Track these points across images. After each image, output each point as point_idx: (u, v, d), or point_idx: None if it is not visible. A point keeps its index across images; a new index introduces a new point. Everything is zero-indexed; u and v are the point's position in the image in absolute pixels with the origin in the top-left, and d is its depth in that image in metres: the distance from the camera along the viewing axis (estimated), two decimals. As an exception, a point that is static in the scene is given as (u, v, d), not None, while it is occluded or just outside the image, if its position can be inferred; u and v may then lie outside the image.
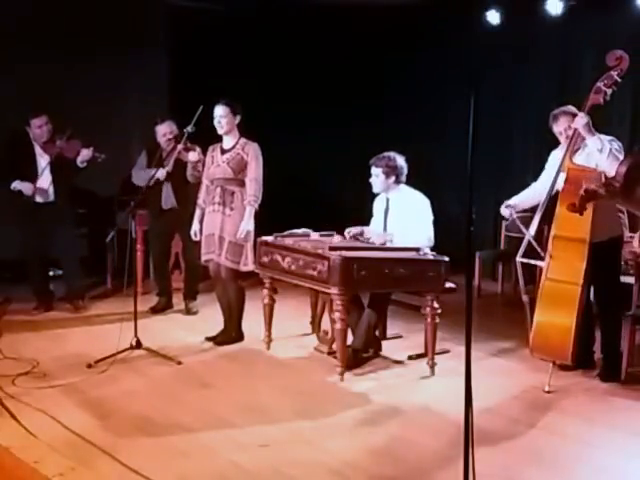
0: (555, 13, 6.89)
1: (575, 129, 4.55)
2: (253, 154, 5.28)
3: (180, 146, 5.75)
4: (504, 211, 4.93)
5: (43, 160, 6.11)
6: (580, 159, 4.61)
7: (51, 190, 6.14)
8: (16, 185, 6.03)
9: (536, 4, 6.92)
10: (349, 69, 8.43)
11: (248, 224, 5.23)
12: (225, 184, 5.30)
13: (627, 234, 5.08)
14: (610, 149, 4.41)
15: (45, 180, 6.11)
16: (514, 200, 4.95)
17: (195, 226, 5.49)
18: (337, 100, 8.40)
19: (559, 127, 4.76)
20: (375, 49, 8.28)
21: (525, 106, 7.56)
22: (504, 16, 7.25)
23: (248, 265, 5.30)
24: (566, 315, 4.39)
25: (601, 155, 4.43)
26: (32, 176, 6.06)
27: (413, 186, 5.19)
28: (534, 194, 4.90)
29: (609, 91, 4.53)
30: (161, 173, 5.93)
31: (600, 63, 4.85)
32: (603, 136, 4.57)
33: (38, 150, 6.13)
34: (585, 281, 4.43)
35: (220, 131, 5.29)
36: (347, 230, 5.22)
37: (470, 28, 7.24)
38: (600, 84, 4.54)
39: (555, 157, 4.85)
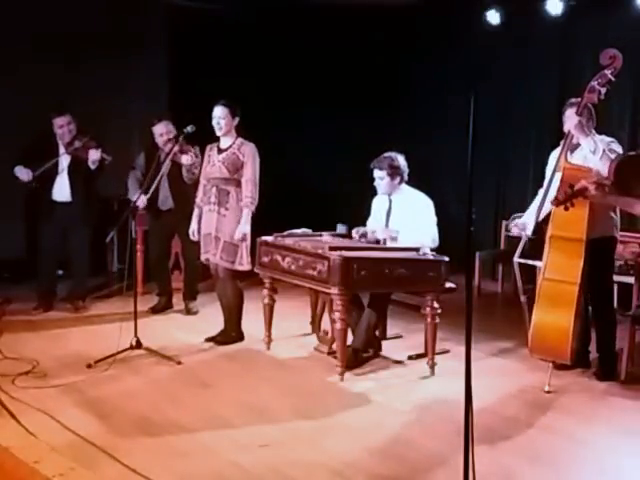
0: (555, 13, 6.90)
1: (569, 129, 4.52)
2: (249, 154, 5.25)
3: (176, 148, 5.71)
4: (514, 230, 4.85)
5: (64, 160, 6.14)
6: (577, 158, 4.58)
7: (68, 190, 6.16)
8: (16, 170, 6.01)
9: (536, 4, 6.93)
10: (349, 69, 8.43)
11: (245, 226, 5.22)
12: (221, 184, 5.29)
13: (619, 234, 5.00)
14: (603, 150, 4.36)
15: (64, 180, 6.14)
16: (524, 219, 4.79)
17: (193, 225, 5.49)
18: (337, 100, 8.40)
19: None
20: (375, 49, 8.28)
21: (525, 106, 7.56)
22: (504, 16, 7.26)
23: (243, 265, 5.28)
24: (564, 315, 4.38)
25: (594, 156, 4.40)
26: (53, 175, 6.10)
27: (413, 186, 5.19)
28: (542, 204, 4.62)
29: (603, 90, 4.42)
30: (141, 201, 5.69)
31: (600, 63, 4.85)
32: (603, 137, 4.54)
33: (62, 150, 6.15)
34: (582, 280, 4.41)
35: (218, 132, 5.28)
36: (355, 229, 5.23)
37: (470, 28, 7.25)
38: (594, 83, 4.43)
39: (554, 158, 4.77)
